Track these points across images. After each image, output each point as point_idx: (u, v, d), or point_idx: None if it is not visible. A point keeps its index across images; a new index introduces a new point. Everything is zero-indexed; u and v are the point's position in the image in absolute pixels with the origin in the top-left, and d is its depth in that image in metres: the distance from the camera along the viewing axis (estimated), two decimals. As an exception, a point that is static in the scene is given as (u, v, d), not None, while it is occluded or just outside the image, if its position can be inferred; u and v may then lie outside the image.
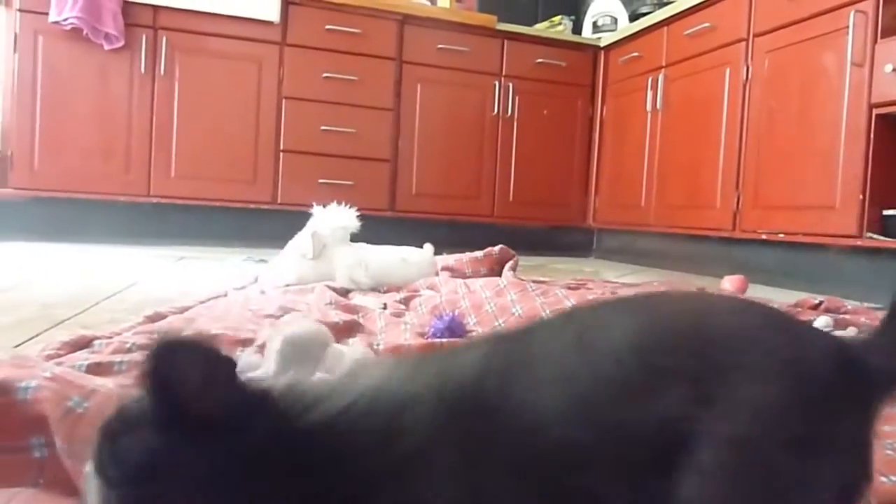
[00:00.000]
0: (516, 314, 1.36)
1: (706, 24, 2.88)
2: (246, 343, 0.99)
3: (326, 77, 3.27)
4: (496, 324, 1.36)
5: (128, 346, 0.92)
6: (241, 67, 3.17)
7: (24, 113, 2.91)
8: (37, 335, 1.11)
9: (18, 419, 0.55)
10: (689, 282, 2.28)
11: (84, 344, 0.92)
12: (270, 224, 3.14)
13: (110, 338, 0.96)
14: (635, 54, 3.44)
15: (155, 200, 3.08)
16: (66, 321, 1.23)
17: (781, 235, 2.47)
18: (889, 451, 0.69)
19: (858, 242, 2.17)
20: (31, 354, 0.87)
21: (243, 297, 1.52)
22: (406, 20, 3.40)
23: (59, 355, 0.86)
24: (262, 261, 2.36)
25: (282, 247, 1.94)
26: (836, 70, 2.26)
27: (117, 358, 0.85)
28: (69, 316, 1.28)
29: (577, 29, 4.03)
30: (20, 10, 2.87)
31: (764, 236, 2.55)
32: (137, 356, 0.89)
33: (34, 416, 0.55)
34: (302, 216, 1.97)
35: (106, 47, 2.94)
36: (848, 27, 2.19)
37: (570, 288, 1.81)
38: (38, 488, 0.51)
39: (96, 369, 0.80)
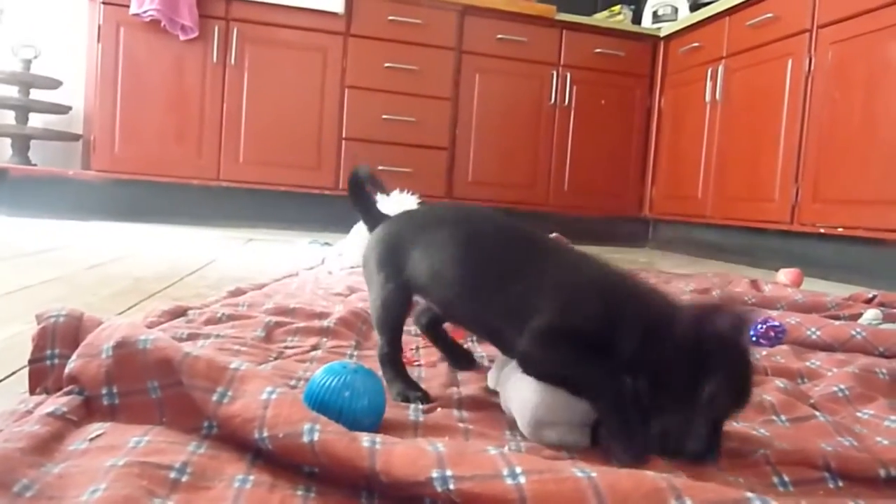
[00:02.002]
0: (570, 299, 1.43)
1: (769, 15, 2.85)
2: (321, 316, 1.09)
3: (388, 67, 3.36)
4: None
5: (218, 316, 1.03)
6: (307, 57, 3.29)
7: (106, 100, 3.09)
8: (134, 305, 1.23)
9: (136, 367, 0.65)
10: (744, 273, 2.28)
11: (180, 313, 1.04)
12: (333, 208, 3.27)
13: (202, 309, 1.07)
14: (695, 45, 3.43)
15: (224, 184, 3.24)
16: (158, 294, 1.36)
17: (840, 230, 2.45)
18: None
19: (920, 238, 2.15)
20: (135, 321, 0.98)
21: (313, 277, 1.63)
22: (466, 11, 3.46)
23: (161, 322, 0.97)
24: (326, 244, 2.48)
25: (343, 230, 2.04)
26: (903, 62, 2.23)
27: (212, 330, 0.96)
28: (159, 289, 1.41)
29: (636, 19, 4.02)
30: (103, 3, 3.05)
31: (822, 230, 2.53)
32: (227, 326, 1.00)
33: (150, 363, 0.65)
34: (364, 202, 2.07)
35: (181, 38, 3.10)
36: (916, 19, 2.16)
37: (622, 276, 1.86)
38: (163, 426, 0.61)
39: (195, 339, 0.91)
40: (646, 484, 0.46)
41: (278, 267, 1.81)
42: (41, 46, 3.16)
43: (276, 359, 0.88)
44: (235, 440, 0.58)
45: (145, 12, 3.01)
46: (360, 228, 1.95)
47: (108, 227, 2.80)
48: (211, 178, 3.22)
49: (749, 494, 0.46)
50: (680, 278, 2.02)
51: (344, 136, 3.36)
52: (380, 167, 3.36)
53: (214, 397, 0.60)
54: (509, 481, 0.48)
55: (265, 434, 0.55)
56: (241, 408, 0.58)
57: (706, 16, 3.30)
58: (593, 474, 0.47)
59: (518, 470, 0.48)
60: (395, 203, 1.91)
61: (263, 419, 0.56)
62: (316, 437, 0.53)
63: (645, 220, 3.90)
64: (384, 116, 3.38)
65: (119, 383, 0.65)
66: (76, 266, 1.65)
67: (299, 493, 0.52)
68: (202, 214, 3.26)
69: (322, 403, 0.63)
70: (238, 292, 1.28)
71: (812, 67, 2.62)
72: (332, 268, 1.85)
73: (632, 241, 3.91)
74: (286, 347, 0.94)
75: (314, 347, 0.95)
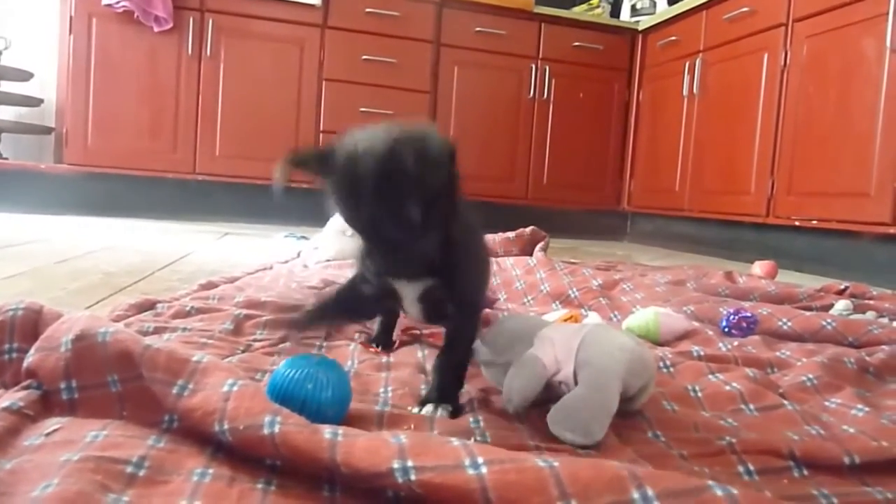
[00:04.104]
0: (544, 291, 1.42)
1: (745, 9, 2.87)
2: (293, 309, 1.07)
3: (366, 59, 3.34)
4: (525, 300, 1.43)
5: (187, 309, 1.01)
6: (284, 49, 3.26)
7: (79, 93, 3.04)
8: (102, 299, 1.21)
9: (96, 360, 0.64)
10: (719, 266, 2.30)
11: (148, 306, 1.02)
12: (309, 202, 3.24)
13: (171, 302, 1.05)
14: (673, 38, 3.44)
15: (200, 178, 3.20)
16: (127, 288, 1.34)
17: (815, 222, 2.48)
18: (884, 421, 0.74)
19: (892, 230, 2.17)
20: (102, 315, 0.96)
21: (287, 270, 1.62)
22: (444, 3, 3.44)
23: (127, 316, 0.96)
24: (302, 237, 2.46)
25: (320, 224, 2.03)
26: (875, 56, 2.25)
27: (180, 324, 0.94)
28: (129, 283, 1.38)
29: (615, 12, 4.03)
30: (75, -6, 3.00)
31: (797, 223, 2.56)
32: (195, 320, 0.99)
33: (110, 356, 0.64)
34: (341, 195, 2.05)
35: (155, 29, 3.06)
36: (888, 13, 2.18)
37: (599, 269, 1.87)
38: (123, 420, 0.60)
39: (162, 332, 0.90)
40: (607, 473, 0.46)
41: (253, 261, 1.79)
42: (11, 38, 3.10)
43: (243, 352, 0.87)
44: (196, 433, 0.57)
45: (118, 3, 2.96)
46: (336, 222, 1.93)
47: (81, 221, 2.76)
48: (186, 171, 3.18)
49: (710, 483, 0.45)
50: (656, 271, 2.02)
51: (322, 129, 3.33)
52: (358, 161, 3.33)
53: (174, 390, 0.58)
54: (471, 471, 0.47)
55: (225, 426, 0.54)
56: (201, 400, 0.57)
57: (684, 9, 3.32)
58: (555, 464, 0.47)
59: (480, 460, 0.48)
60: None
61: (224, 412, 0.55)
62: (277, 429, 0.52)
63: (623, 213, 3.92)
64: (362, 109, 3.35)
65: (78, 377, 0.63)
66: (45, 260, 1.62)
67: (259, 486, 0.51)
68: (177, 208, 3.22)
69: (285, 396, 0.62)
70: (209, 286, 1.27)
71: (787, 61, 2.64)
72: (307, 261, 1.83)
73: (610, 235, 3.93)
74: (254, 340, 0.93)
75: (283, 340, 0.94)
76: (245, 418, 0.54)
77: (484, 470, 0.47)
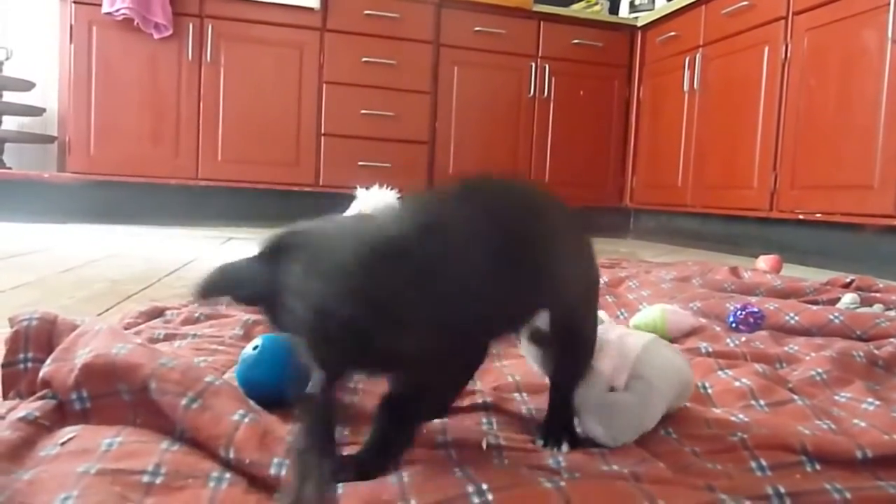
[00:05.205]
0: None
1: (744, 3, 2.87)
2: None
3: (365, 62, 3.35)
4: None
5: (196, 315, 1.02)
6: (284, 53, 3.26)
7: (81, 101, 3.05)
8: (111, 307, 1.22)
9: (109, 372, 0.64)
10: (724, 261, 2.30)
11: (157, 313, 1.03)
12: (313, 205, 3.25)
13: (180, 309, 1.06)
14: (672, 34, 3.44)
15: (203, 183, 3.21)
16: (135, 295, 1.34)
17: (818, 215, 2.47)
18: (895, 414, 0.74)
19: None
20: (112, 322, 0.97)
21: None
22: (443, 3, 3.44)
23: (137, 323, 0.96)
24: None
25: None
26: (877, 48, 2.25)
27: (190, 330, 0.95)
28: (136, 291, 1.39)
29: (613, 9, 4.03)
30: (75, 3, 3.00)
31: (801, 216, 2.56)
32: (206, 326, 0.99)
33: (122, 368, 0.64)
34: (343, 197, 2.06)
35: (155, 36, 3.06)
36: (889, 4, 2.18)
37: (603, 266, 1.87)
38: (136, 426, 0.60)
39: (172, 339, 0.90)
40: (617, 492, 0.46)
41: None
42: (13, 48, 3.11)
43: (254, 357, 0.87)
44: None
45: (118, 11, 2.97)
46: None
47: (85, 229, 2.77)
48: (189, 177, 3.19)
49: (722, 496, 0.45)
50: (661, 267, 2.02)
51: (323, 132, 3.34)
52: (359, 163, 3.35)
53: (183, 402, 0.59)
54: (476, 499, 0.48)
55: (231, 455, 0.54)
56: (208, 421, 0.56)
57: (682, 4, 3.31)
58: (562, 484, 0.47)
59: (484, 487, 0.48)
60: (374, 198, 1.90)
61: (231, 439, 0.55)
62: (284, 472, 0.52)
63: (626, 210, 3.91)
64: (363, 111, 3.36)
65: (89, 387, 0.63)
66: (51, 269, 1.62)
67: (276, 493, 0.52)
68: (181, 214, 3.23)
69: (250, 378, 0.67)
70: (216, 292, 1.27)
71: (788, 55, 2.64)
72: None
73: (613, 232, 3.93)
74: (265, 346, 0.93)
75: (293, 345, 0.94)
76: (252, 453, 0.53)
77: (490, 497, 0.48)
